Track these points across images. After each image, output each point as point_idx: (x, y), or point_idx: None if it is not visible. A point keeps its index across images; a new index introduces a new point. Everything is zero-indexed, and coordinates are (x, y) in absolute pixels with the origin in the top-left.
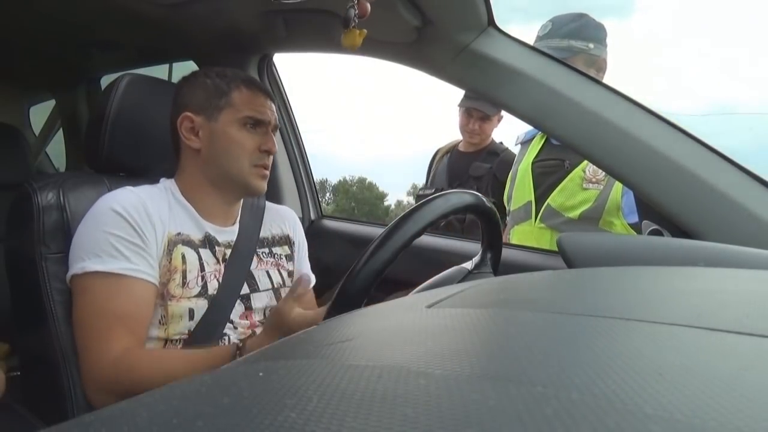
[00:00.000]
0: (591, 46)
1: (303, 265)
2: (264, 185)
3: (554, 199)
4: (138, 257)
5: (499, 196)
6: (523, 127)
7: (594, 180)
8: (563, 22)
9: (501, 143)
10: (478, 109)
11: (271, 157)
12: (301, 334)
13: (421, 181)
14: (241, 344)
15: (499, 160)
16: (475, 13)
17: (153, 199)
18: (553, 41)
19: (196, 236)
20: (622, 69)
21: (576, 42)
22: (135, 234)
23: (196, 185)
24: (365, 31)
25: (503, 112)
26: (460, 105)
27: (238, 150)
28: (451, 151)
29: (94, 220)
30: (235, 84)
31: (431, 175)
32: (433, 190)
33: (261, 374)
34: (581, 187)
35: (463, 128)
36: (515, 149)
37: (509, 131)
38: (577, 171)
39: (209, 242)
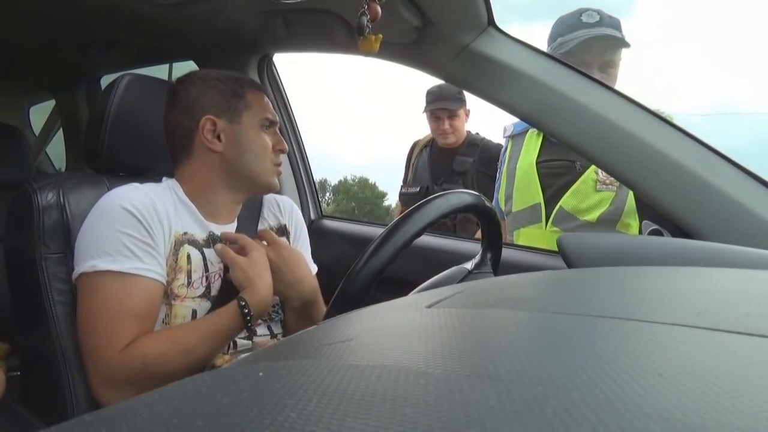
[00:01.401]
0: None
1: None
2: (278, 183)
3: (567, 202)
4: (149, 256)
5: (485, 190)
6: (501, 118)
7: (608, 182)
8: (606, 15)
9: (477, 134)
10: (444, 108)
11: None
12: (301, 333)
13: None
14: (243, 302)
15: (480, 152)
16: (475, 13)
17: (159, 198)
18: (608, 30)
19: (200, 236)
20: (622, 69)
21: (623, 36)
22: (146, 233)
23: (206, 185)
24: (381, 36)
25: (469, 106)
26: (425, 110)
27: (262, 151)
28: (430, 145)
29: (104, 217)
30: (246, 86)
31: (412, 170)
32: (417, 189)
33: (261, 374)
34: (595, 189)
35: (435, 132)
36: (502, 141)
37: (484, 122)
38: (589, 173)
39: (213, 242)
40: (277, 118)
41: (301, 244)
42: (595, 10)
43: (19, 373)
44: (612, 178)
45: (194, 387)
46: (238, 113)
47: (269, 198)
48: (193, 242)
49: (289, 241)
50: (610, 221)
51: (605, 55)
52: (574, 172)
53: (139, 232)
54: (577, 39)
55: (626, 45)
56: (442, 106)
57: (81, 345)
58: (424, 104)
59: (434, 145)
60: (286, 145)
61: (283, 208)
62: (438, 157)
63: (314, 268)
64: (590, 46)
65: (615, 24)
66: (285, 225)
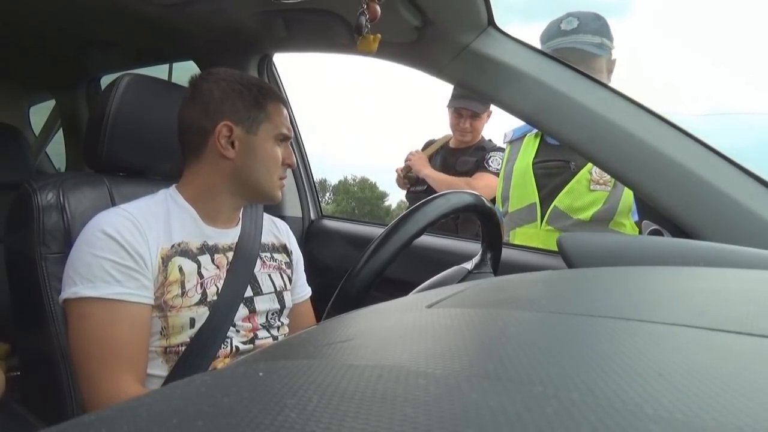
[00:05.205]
0: (613, 46)
1: (300, 276)
2: (281, 195)
3: (561, 201)
4: (131, 280)
5: None
6: (510, 123)
7: (601, 182)
8: (589, 19)
9: (490, 140)
10: (468, 108)
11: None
12: (301, 333)
13: None
14: None
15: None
16: (475, 13)
17: (145, 216)
18: (585, 36)
19: (195, 243)
20: (622, 70)
21: (606, 40)
22: (128, 256)
23: (210, 189)
24: (380, 35)
25: (491, 108)
26: (449, 106)
27: (273, 165)
28: (444, 146)
29: (86, 243)
30: (270, 97)
31: None
32: (425, 187)
33: (261, 374)
34: (588, 188)
35: (455, 127)
36: (504, 146)
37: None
38: (583, 172)
39: (208, 249)
40: (292, 133)
41: (299, 267)
42: (578, 15)
43: (19, 373)
44: (605, 178)
45: (194, 387)
46: (257, 124)
47: (266, 216)
48: (185, 252)
49: (290, 260)
50: (603, 220)
51: (580, 65)
52: (568, 172)
53: (119, 256)
54: (553, 47)
55: (596, 55)
56: (467, 106)
57: (77, 374)
58: (449, 98)
59: (446, 146)
60: (294, 160)
61: (281, 229)
62: (447, 159)
63: (308, 291)
64: (565, 57)
65: (598, 29)
66: (285, 244)
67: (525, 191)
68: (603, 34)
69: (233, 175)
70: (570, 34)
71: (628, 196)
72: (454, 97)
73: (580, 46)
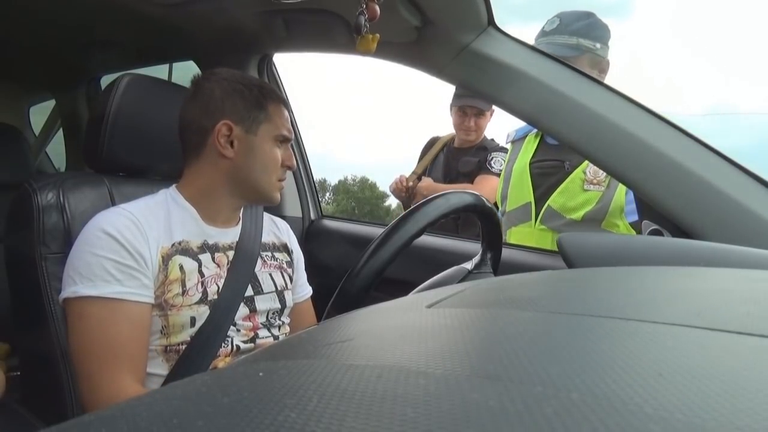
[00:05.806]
0: (598, 46)
1: (301, 275)
2: (279, 197)
3: (555, 201)
4: (131, 279)
5: None
6: (512, 124)
7: (595, 181)
8: (572, 19)
9: (492, 140)
10: (473, 106)
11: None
12: (301, 333)
13: None
14: None
15: (486, 155)
16: (475, 13)
17: (146, 216)
18: (561, 37)
19: (196, 242)
20: (622, 69)
21: (584, 41)
22: (128, 255)
23: (209, 189)
24: (378, 35)
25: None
26: (454, 104)
27: (272, 166)
28: (447, 145)
29: (86, 242)
30: (271, 98)
31: (429, 166)
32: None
33: (261, 374)
34: (582, 188)
35: (459, 126)
36: (507, 147)
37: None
38: (577, 172)
39: (209, 248)
40: (292, 135)
41: (300, 266)
42: (563, 15)
43: (19, 373)
44: (599, 179)
45: (194, 387)
46: (257, 124)
47: (266, 215)
48: (185, 251)
49: (291, 259)
50: (595, 220)
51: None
52: (563, 172)
53: (120, 256)
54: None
55: (569, 56)
56: (472, 104)
57: (76, 373)
58: (451, 97)
59: (450, 146)
60: (294, 162)
61: (281, 229)
62: (451, 158)
63: (309, 291)
64: None
65: (577, 30)
66: (286, 244)
67: (521, 191)
68: (582, 35)
69: (232, 175)
70: (549, 34)
71: (619, 196)
72: (458, 95)
73: (549, 48)
